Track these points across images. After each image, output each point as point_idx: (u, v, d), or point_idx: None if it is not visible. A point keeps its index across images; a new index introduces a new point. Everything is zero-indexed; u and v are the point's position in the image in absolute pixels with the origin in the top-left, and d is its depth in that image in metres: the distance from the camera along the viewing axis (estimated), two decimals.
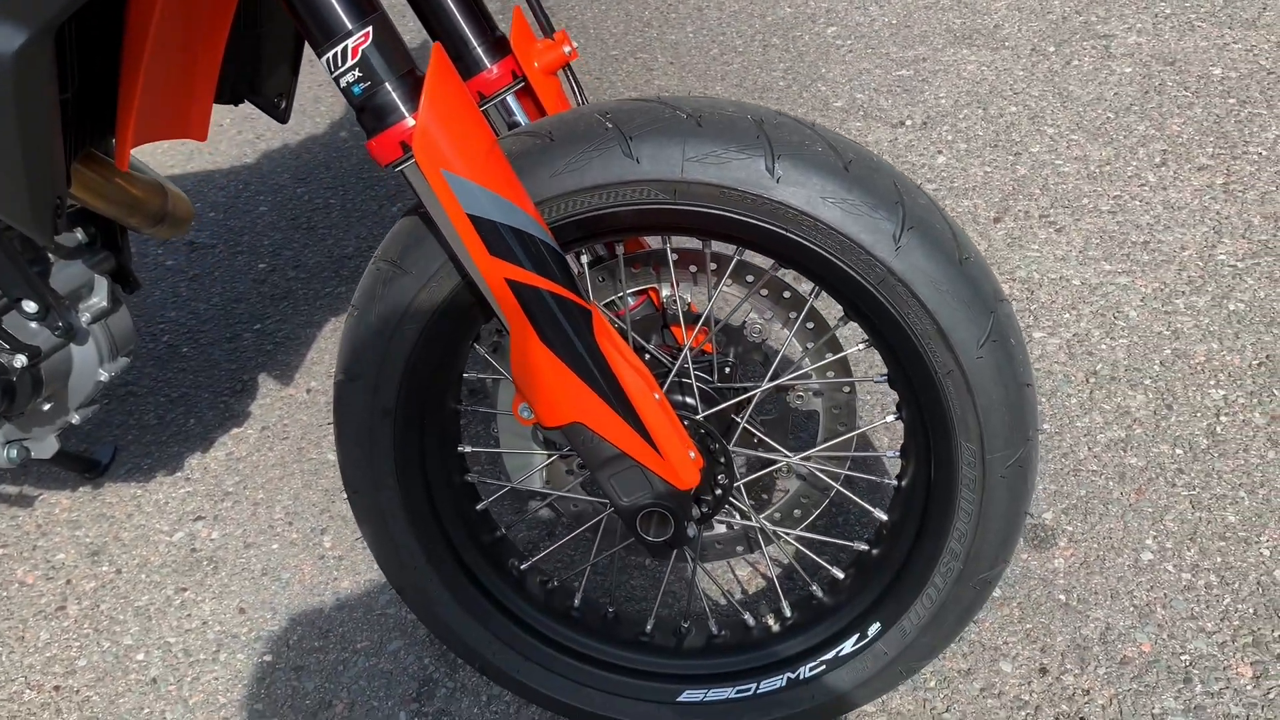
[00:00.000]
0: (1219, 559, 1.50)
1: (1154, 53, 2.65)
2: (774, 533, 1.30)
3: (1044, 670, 1.40)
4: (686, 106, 1.07)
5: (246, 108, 3.07)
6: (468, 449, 1.29)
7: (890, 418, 1.21)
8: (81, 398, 1.35)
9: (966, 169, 2.35)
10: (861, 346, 1.19)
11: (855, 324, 1.15)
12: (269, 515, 1.78)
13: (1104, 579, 1.50)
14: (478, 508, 1.32)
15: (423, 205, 1.07)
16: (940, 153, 2.42)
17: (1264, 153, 2.26)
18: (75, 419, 1.37)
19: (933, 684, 1.40)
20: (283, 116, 1.42)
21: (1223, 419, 1.69)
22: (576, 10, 3.30)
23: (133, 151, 1.22)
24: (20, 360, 1.23)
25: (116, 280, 1.36)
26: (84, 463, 1.88)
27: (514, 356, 1.04)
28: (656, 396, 1.08)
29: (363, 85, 0.97)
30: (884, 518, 1.25)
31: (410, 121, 0.97)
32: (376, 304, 1.16)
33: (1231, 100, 2.43)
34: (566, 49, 1.24)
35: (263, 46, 1.33)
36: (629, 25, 3.17)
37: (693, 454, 1.12)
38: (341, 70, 0.97)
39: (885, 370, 1.17)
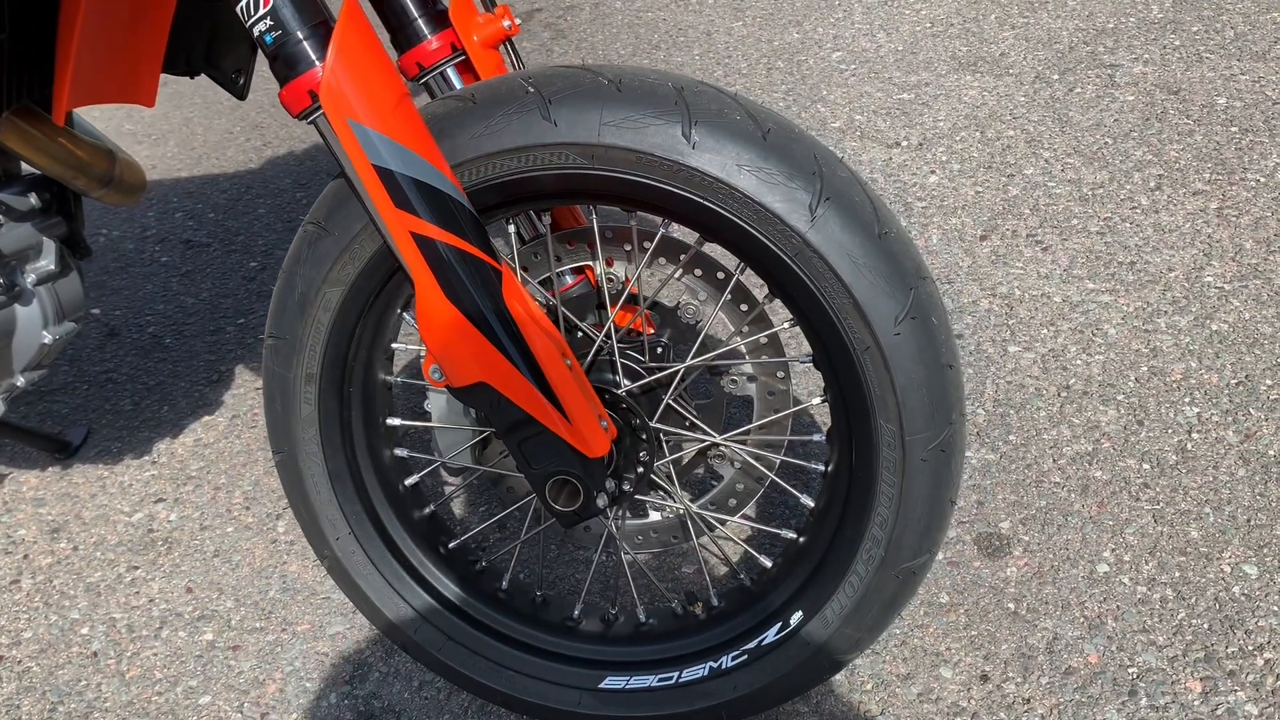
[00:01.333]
0: (1177, 574, 1.45)
1: (1159, 82, 2.62)
2: (701, 518, 1.27)
3: (985, 677, 1.35)
4: (608, 73, 1.07)
5: (258, 114, 3.14)
6: (396, 422, 1.28)
7: (817, 400, 1.19)
8: (26, 359, 1.36)
9: (958, 188, 2.33)
10: (787, 325, 1.17)
11: (781, 303, 1.13)
12: (228, 499, 1.79)
13: (1056, 589, 1.45)
14: (406, 483, 1.31)
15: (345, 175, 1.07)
16: (933, 172, 2.40)
17: (1262, 179, 2.22)
18: (20, 381, 1.38)
19: (869, 686, 1.36)
20: (241, 93, 1.44)
21: (1194, 436, 1.65)
22: (587, 33, 3.34)
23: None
24: None
25: (68, 246, 1.38)
26: (55, 443, 1.90)
27: (420, 313, 1.03)
28: (568, 362, 1.07)
29: (274, 34, 0.98)
30: (811, 504, 1.22)
31: (319, 72, 0.98)
32: (301, 266, 1.17)
33: (1234, 128, 2.39)
34: (506, 23, 1.25)
35: (219, 21, 1.36)
36: (637, 47, 3.19)
37: (605, 423, 1.10)
38: (254, 19, 0.98)
39: (812, 351, 1.15)
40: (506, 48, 1.28)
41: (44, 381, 2.11)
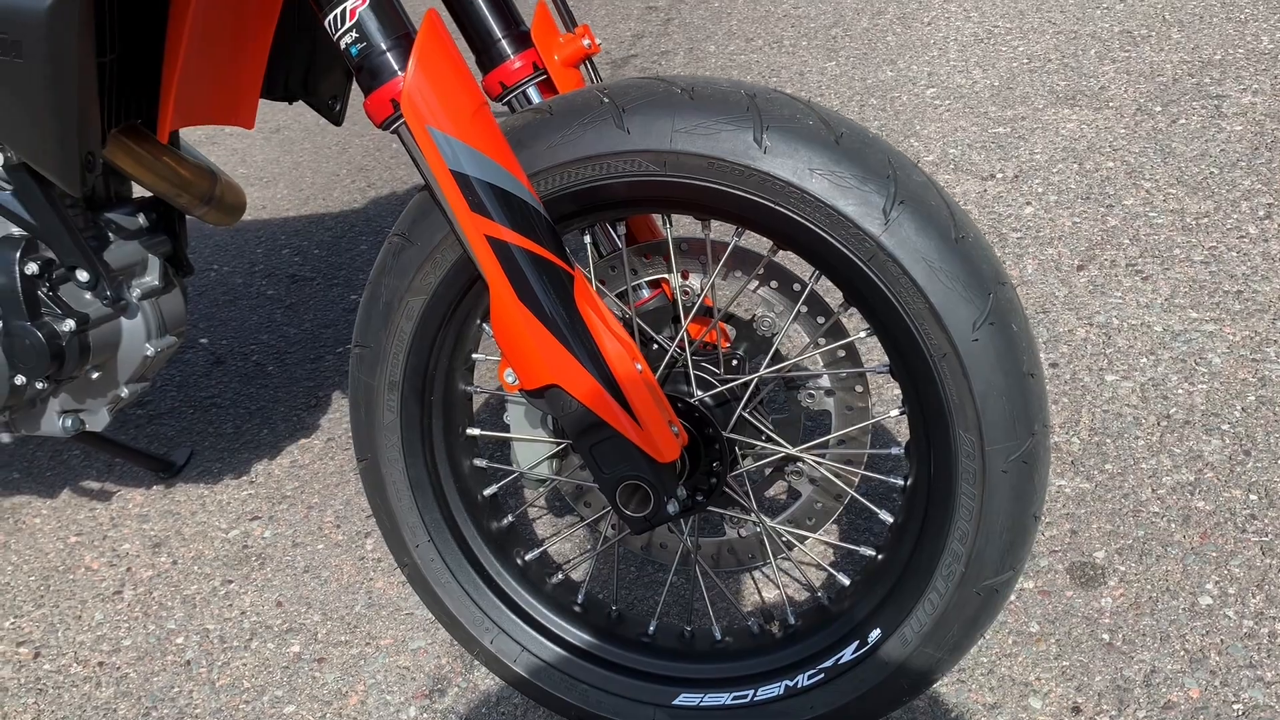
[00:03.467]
0: None
1: (1269, 111, 2.54)
2: (779, 534, 1.26)
3: (1077, 709, 1.30)
4: (681, 82, 1.08)
5: (363, 158, 3.25)
6: (476, 432, 1.30)
7: (895, 412, 1.17)
8: (130, 371, 1.43)
9: (1054, 219, 2.28)
10: (863, 334, 1.16)
11: (858, 312, 1.12)
12: (320, 518, 1.83)
13: (1154, 621, 1.39)
14: (485, 493, 1.33)
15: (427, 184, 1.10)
16: (1029, 204, 2.36)
17: None
18: (124, 392, 1.45)
19: (954, 715, 1.32)
20: (337, 119, 1.50)
21: None
22: (677, 67, 3.38)
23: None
24: (69, 325, 1.32)
25: (172, 264, 1.45)
26: (161, 463, 1.98)
27: (494, 316, 1.05)
28: (639, 367, 1.08)
29: (359, 46, 1.03)
30: (889, 520, 1.20)
31: (401, 81, 1.02)
32: (386, 275, 1.20)
33: None
34: (586, 42, 1.28)
35: (318, 48, 1.42)
36: None
37: (675, 429, 1.10)
38: (341, 32, 1.03)
39: (889, 360, 1.14)
40: (587, 66, 1.31)
41: (153, 405, 2.21)
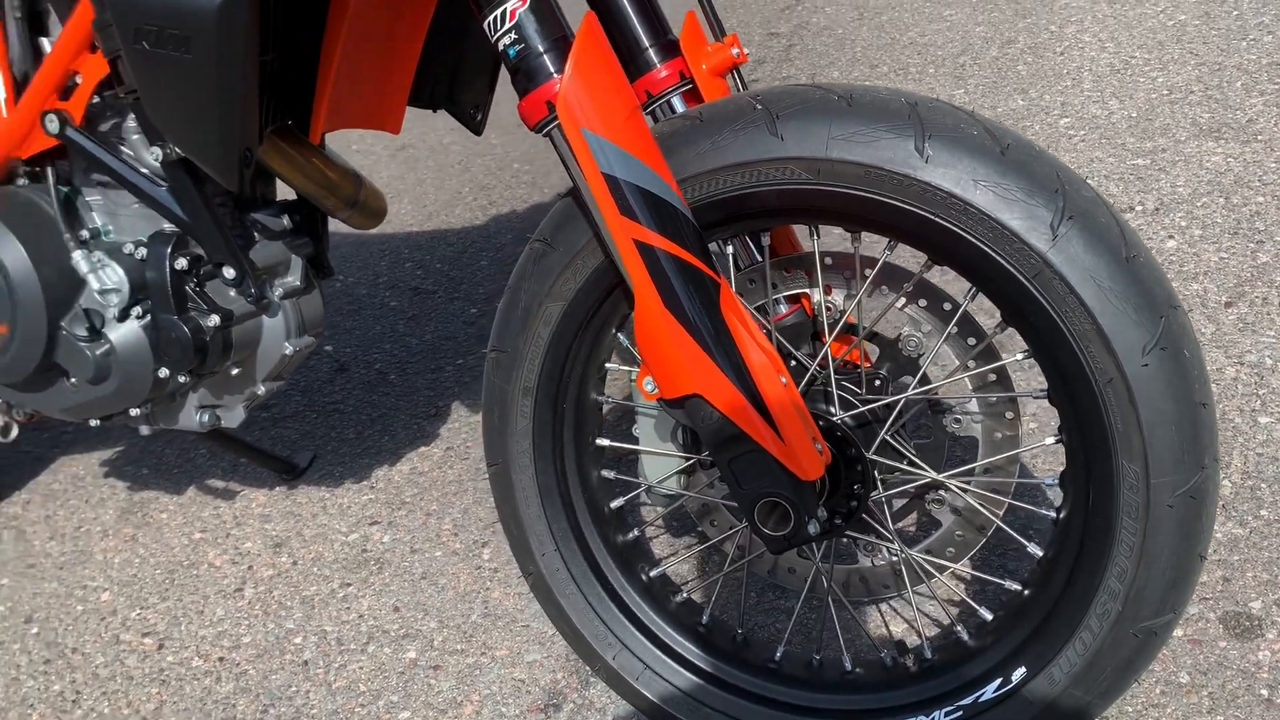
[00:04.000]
0: None
1: None
2: (915, 561, 1.21)
3: None
4: (839, 90, 1.06)
5: (485, 176, 3.30)
6: (605, 442, 1.29)
7: (1050, 440, 1.11)
8: (268, 369, 1.45)
9: (1199, 254, 2.18)
10: (1021, 356, 1.11)
11: (1015, 333, 1.07)
12: (438, 525, 1.83)
13: None
14: (612, 505, 1.30)
15: (576, 187, 1.09)
16: (1171, 238, 2.26)
17: None
18: (261, 390, 1.47)
19: None
20: (478, 129, 1.51)
21: None
22: None
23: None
24: (214, 321, 1.34)
25: (313, 266, 1.47)
26: (284, 465, 2.01)
27: (638, 323, 1.03)
28: (783, 381, 1.05)
29: (517, 48, 1.03)
30: (1039, 553, 1.14)
31: (557, 84, 1.01)
32: (525, 281, 1.19)
33: None
34: (735, 51, 1.26)
35: (463, 57, 1.43)
36: None
37: (819, 446, 1.07)
38: (500, 33, 1.03)
39: (1046, 386, 1.08)
40: (734, 76, 1.29)
41: (278, 408, 2.25)
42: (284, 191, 1.45)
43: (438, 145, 3.68)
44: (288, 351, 1.43)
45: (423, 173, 3.48)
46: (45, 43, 1.33)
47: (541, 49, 1.02)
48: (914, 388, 1.16)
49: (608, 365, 1.26)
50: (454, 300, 2.61)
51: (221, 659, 1.64)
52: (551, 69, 1.02)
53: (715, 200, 1.09)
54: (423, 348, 2.42)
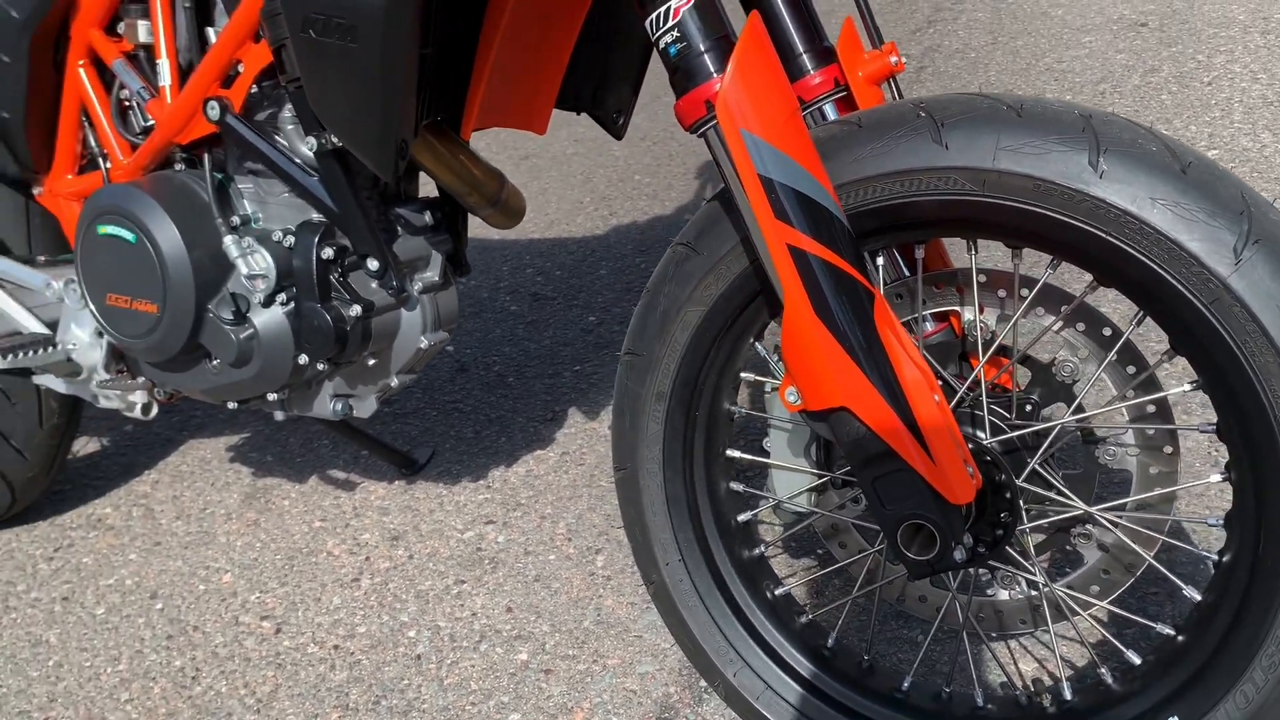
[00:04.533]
0: None
1: None
2: (1059, 597, 1.15)
3: None
4: (1008, 99, 1.02)
5: (606, 188, 3.31)
6: (736, 454, 1.26)
7: (1216, 477, 1.05)
8: (402, 362, 1.46)
9: None
10: (1189, 387, 1.05)
11: (1183, 361, 1.02)
12: (552, 529, 1.83)
13: None
14: (740, 519, 1.28)
15: (728, 189, 1.07)
16: None
17: None
18: (394, 382, 1.48)
19: None
20: (619, 133, 1.50)
21: None
22: None
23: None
24: (355, 311, 1.36)
25: (450, 262, 1.48)
26: (404, 459, 2.03)
27: (785, 330, 1.01)
28: (936, 398, 1.01)
29: (678, 46, 1.01)
30: (1197, 597, 1.07)
31: (717, 83, 1.00)
32: (666, 284, 1.18)
33: None
34: (893, 59, 1.23)
35: (610, 60, 1.43)
36: None
37: (970, 469, 1.02)
38: (662, 31, 1.02)
39: (1215, 419, 1.02)
40: (891, 85, 1.26)
41: (399, 404, 2.28)
42: (430, 188, 1.47)
43: (560, 155, 3.72)
44: (423, 345, 1.44)
45: (546, 181, 3.51)
46: (211, 32, 1.37)
47: (703, 48, 1.01)
48: (1069, 415, 1.10)
49: (742, 375, 1.24)
50: (572, 307, 2.62)
51: (336, 647, 1.65)
52: (712, 69, 1.01)
53: (872, 208, 1.06)
54: (541, 352, 2.43)
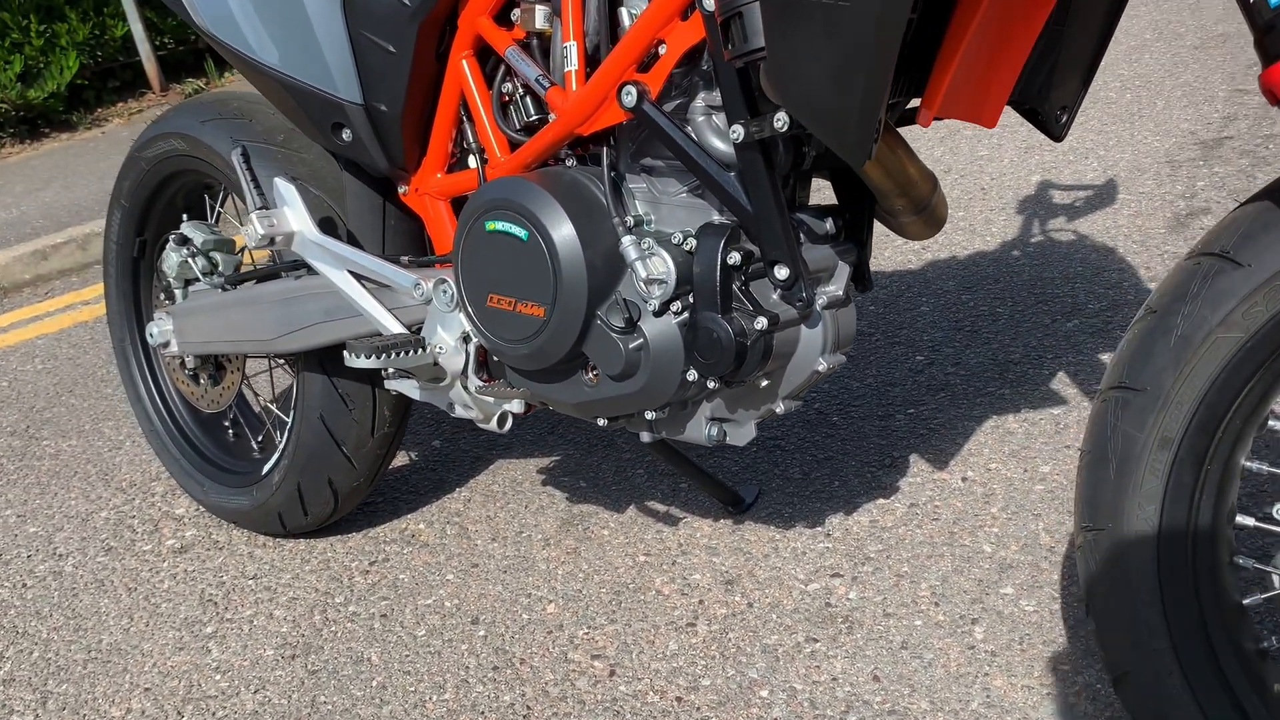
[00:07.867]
0: None
1: None
2: None
3: None
4: None
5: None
6: (1250, 522, 1.02)
7: None
8: (794, 385, 1.29)
9: None
10: None
11: None
12: (913, 590, 1.62)
13: None
14: (1244, 602, 1.03)
15: None
16: None
17: None
18: (780, 408, 1.32)
19: None
20: (1059, 134, 1.29)
21: None
22: None
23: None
24: (760, 324, 1.20)
25: (852, 277, 1.30)
26: (730, 495, 1.87)
27: None
28: None
29: None
30: None
31: None
32: (1185, 304, 0.96)
33: None
34: None
35: (1062, 47, 1.23)
36: None
37: None
38: None
39: None
40: None
41: None
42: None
43: None
44: (820, 368, 1.27)
45: None
46: (624, 12, 1.25)
47: None
48: None
49: (1273, 424, 1.00)
50: (894, 345, 2.40)
51: (679, 699, 1.49)
52: None
53: None
54: (865, 391, 2.22)
